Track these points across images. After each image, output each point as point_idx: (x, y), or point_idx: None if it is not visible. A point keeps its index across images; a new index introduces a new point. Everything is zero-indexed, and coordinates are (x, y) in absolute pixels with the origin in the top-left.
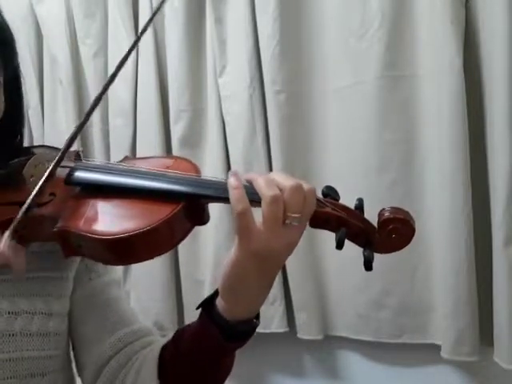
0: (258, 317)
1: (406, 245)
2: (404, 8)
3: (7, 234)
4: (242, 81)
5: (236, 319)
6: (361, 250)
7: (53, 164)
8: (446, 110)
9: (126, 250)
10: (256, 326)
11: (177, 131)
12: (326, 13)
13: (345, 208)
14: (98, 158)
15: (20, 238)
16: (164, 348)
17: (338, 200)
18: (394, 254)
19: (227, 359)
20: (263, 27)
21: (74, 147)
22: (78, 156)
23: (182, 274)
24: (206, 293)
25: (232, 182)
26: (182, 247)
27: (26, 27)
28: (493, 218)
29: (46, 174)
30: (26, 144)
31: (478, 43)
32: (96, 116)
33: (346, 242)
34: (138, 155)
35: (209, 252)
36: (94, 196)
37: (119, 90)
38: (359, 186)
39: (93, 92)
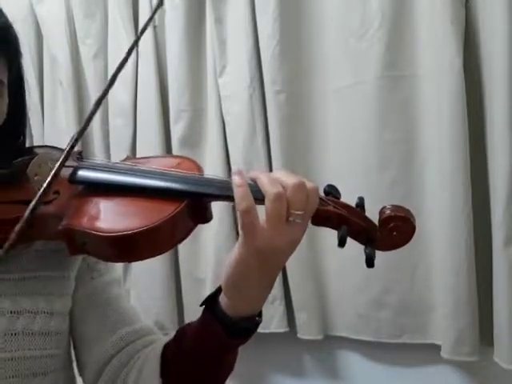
0: (260, 314)
1: (407, 242)
2: (404, 8)
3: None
4: (242, 81)
5: (239, 316)
6: (360, 250)
7: (59, 161)
8: (445, 110)
9: (130, 247)
10: (259, 322)
11: (177, 131)
12: (326, 13)
13: (346, 206)
14: (98, 158)
15: (25, 236)
16: (166, 346)
17: (339, 198)
18: (394, 253)
19: (230, 356)
20: (263, 27)
21: (75, 148)
22: (80, 155)
23: (182, 272)
24: (207, 291)
25: (236, 179)
26: (183, 246)
27: (26, 27)
28: (493, 218)
29: (53, 172)
30: (26, 145)
31: (478, 43)
32: (96, 116)
33: (348, 241)
34: (138, 155)
35: (209, 250)
36: (97, 194)
37: (119, 90)
38: (359, 186)
39: (93, 92)
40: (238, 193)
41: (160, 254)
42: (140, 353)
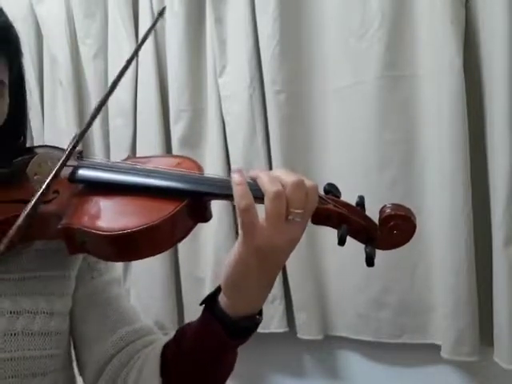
0: (260, 313)
1: (408, 241)
2: (404, 8)
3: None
4: (242, 81)
5: (239, 315)
6: (360, 249)
7: (60, 162)
8: (445, 110)
9: (129, 245)
10: (259, 322)
11: (177, 131)
12: (326, 13)
13: (346, 205)
14: (98, 157)
15: (25, 235)
16: (166, 346)
17: (339, 197)
18: (394, 253)
19: (229, 356)
20: (263, 27)
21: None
22: (80, 155)
23: (182, 272)
24: (207, 291)
25: (236, 178)
26: (182, 245)
27: (26, 27)
28: (493, 218)
29: (54, 172)
30: (27, 145)
31: (478, 43)
32: None
33: (347, 241)
34: (138, 155)
35: (209, 250)
36: (97, 193)
37: (119, 90)
38: (359, 186)
39: (93, 92)
40: (237, 191)
41: (159, 252)
42: (140, 353)
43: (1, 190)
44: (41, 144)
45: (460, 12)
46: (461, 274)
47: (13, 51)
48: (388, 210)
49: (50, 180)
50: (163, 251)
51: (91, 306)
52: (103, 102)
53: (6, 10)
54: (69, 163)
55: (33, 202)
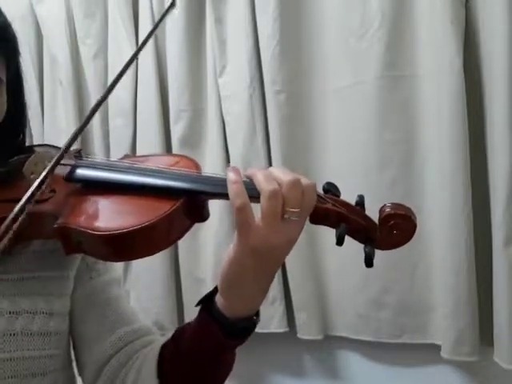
0: (258, 314)
1: (408, 241)
2: (404, 8)
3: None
4: (242, 81)
5: (236, 316)
6: (360, 249)
7: (54, 160)
8: (445, 110)
9: (125, 245)
10: (256, 322)
11: (177, 131)
12: (326, 13)
13: (345, 204)
14: (96, 156)
15: (22, 235)
16: (164, 347)
17: (338, 196)
18: (394, 253)
19: (227, 357)
20: (263, 27)
21: (74, 147)
22: (78, 154)
23: (182, 272)
24: (207, 291)
25: (231, 176)
26: (182, 245)
27: (26, 27)
28: (493, 218)
29: (47, 169)
30: (26, 144)
31: (478, 43)
32: (96, 116)
33: (347, 241)
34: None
35: (209, 250)
36: (93, 193)
37: (119, 90)
38: (359, 186)
39: (93, 92)
40: (232, 190)
41: (156, 252)
42: (139, 353)
43: None
44: (40, 143)
45: (460, 12)
46: (461, 274)
47: (10, 50)
48: (388, 210)
49: (44, 177)
50: (160, 251)
51: (90, 306)
52: (104, 98)
53: (5, 9)
54: (66, 162)
55: (25, 198)
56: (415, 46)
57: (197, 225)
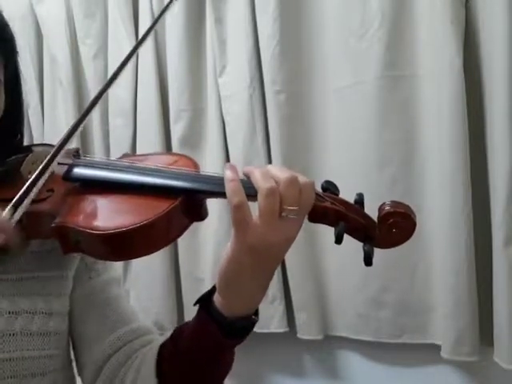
0: (256, 313)
1: (407, 239)
2: (404, 8)
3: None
4: (242, 81)
5: (234, 315)
6: (360, 249)
7: (49, 156)
8: (445, 110)
9: (123, 244)
10: (255, 322)
11: (177, 131)
12: (326, 13)
13: (344, 202)
14: (95, 156)
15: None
16: (163, 346)
17: (337, 195)
18: (393, 253)
19: (226, 356)
20: (263, 27)
21: (73, 146)
22: (76, 153)
23: (181, 272)
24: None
25: (228, 174)
26: (182, 245)
27: (26, 27)
28: (493, 218)
29: (43, 164)
30: (26, 144)
31: (478, 43)
32: (96, 116)
33: (346, 241)
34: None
35: (209, 250)
36: (91, 192)
37: (119, 90)
38: (359, 185)
39: (93, 92)
40: (229, 187)
41: (155, 251)
42: (138, 352)
43: None
44: (39, 143)
45: (460, 12)
46: (461, 274)
47: (9, 50)
48: (387, 208)
49: (40, 171)
50: (158, 250)
51: (90, 306)
52: (99, 96)
53: (5, 9)
54: (64, 161)
55: (21, 191)
56: (415, 46)
57: (196, 224)
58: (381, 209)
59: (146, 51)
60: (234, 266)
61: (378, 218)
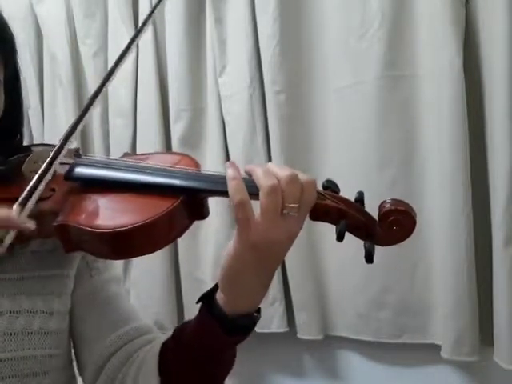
0: (258, 311)
1: (407, 237)
2: (404, 8)
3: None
4: (241, 81)
5: (236, 313)
6: (360, 250)
7: (52, 154)
8: (445, 110)
9: (125, 243)
10: (257, 319)
11: (177, 131)
12: (326, 13)
13: (345, 200)
14: (96, 155)
15: (22, 235)
16: (164, 344)
17: (338, 193)
18: (394, 253)
19: (228, 354)
20: (263, 27)
21: (73, 146)
22: (77, 153)
23: (182, 272)
24: None
25: (230, 172)
26: (182, 245)
27: (26, 27)
28: (493, 218)
29: (47, 162)
30: (25, 144)
31: (478, 43)
32: (96, 116)
33: (346, 241)
34: None
35: (209, 250)
36: (93, 191)
37: (119, 90)
38: (359, 185)
39: (93, 92)
40: (231, 186)
41: (156, 250)
42: (139, 351)
43: None
44: (39, 142)
45: (460, 12)
46: (461, 274)
47: (8, 49)
48: (388, 206)
49: (43, 171)
50: (160, 248)
51: (90, 305)
52: (99, 90)
53: (5, 9)
54: (65, 161)
55: (27, 189)
56: (415, 46)
57: (196, 224)
58: (381, 207)
59: (146, 51)
60: (236, 263)
61: (379, 215)
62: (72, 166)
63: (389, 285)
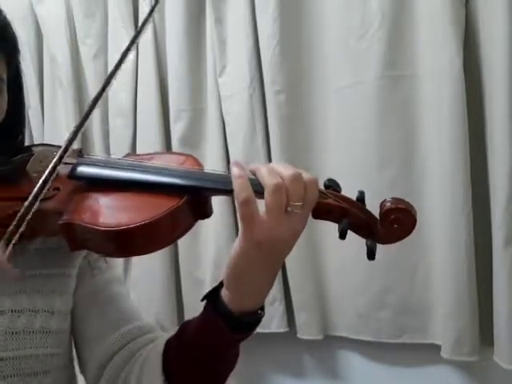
0: (262, 308)
1: (408, 234)
2: (404, 8)
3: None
4: (242, 81)
5: (241, 310)
6: (360, 249)
7: (57, 155)
8: (446, 110)
9: (129, 241)
10: (261, 317)
11: (177, 131)
12: (326, 13)
13: (346, 199)
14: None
15: (25, 233)
16: (168, 343)
17: (339, 192)
18: (394, 253)
19: (231, 352)
20: (263, 27)
21: (74, 146)
22: (80, 153)
23: (182, 273)
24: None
25: (235, 171)
26: (182, 246)
27: (26, 27)
28: (493, 218)
29: (53, 161)
30: (26, 144)
31: (478, 43)
32: (96, 116)
33: (346, 241)
34: None
35: (209, 251)
36: (97, 190)
37: (119, 90)
38: (359, 185)
39: (93, 92)
40: (237, 184)
41: (160, 248)
42: (142, 350)
43: (1, 187)
44: (39, 142)
45: (460, 12)
46: (461, 274)
47: (11, 49)
48: (388, 204)
49: (49, 174)
50: (164, 247)
51: (92, 304)
52: (100, 94)
53: (6, 9)
54: (69, 161)
55: (34, 192)
56: (415, 46)
57: (197, 225)
58: (382, 205)
59: (146, 51)
60: (241, 261)
61: (380, 214)
62: (75, 166)
63: (389, 285)
